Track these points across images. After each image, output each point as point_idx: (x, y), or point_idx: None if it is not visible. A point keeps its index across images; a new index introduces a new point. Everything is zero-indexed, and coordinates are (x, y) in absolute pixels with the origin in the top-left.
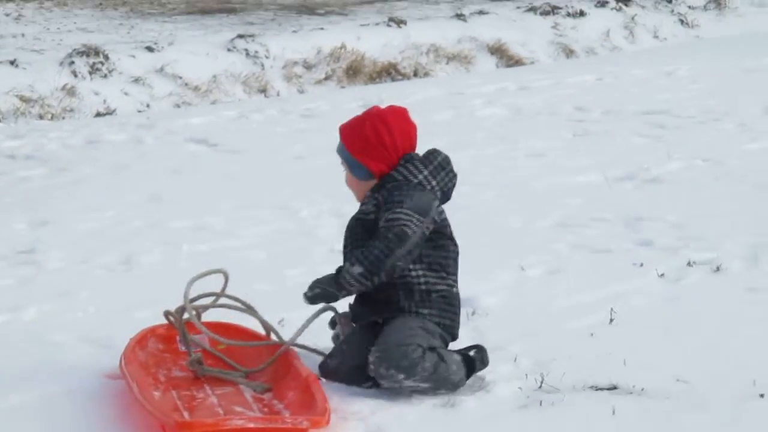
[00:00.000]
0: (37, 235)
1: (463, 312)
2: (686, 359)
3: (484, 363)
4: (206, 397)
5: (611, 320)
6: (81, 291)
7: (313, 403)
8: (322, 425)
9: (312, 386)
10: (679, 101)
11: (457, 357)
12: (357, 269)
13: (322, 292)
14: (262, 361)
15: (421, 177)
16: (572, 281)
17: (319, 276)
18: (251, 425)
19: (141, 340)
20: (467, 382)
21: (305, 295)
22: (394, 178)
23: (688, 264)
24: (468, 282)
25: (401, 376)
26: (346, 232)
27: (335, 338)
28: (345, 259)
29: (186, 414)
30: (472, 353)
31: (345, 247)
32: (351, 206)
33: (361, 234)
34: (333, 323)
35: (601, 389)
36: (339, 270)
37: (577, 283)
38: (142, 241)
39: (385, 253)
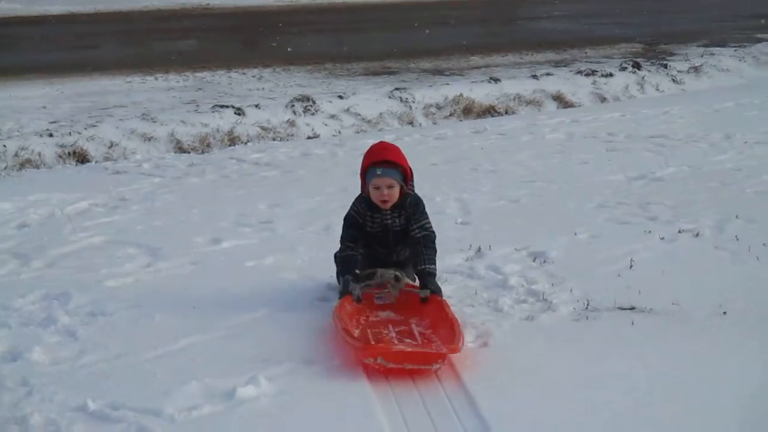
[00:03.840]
0: (273, 212)
1: (538, 261)
2: (678, 290)
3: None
4: (388, 333)
5: (631, 266)
6: (300, 247)
7: (454, 336)
8: (456, 351)
9: (454, 326)
10: (673, 129)
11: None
12: (435, 267)
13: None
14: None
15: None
16: (606, 242)
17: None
18: (408, 349)
19: (348, 297)
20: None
21: (436, 287)
22: (409, 195)
23: (679, 231)
24: (541, 242)
25: None
26: (385, 238)
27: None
28: (389, 253)
29: (373, 342)
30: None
31: (384, 246)
32: (468, 194)
33: (398, 237)
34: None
35: (625, 309)
36: (431, 272)
37: (609, 243)
38: (336, 216)
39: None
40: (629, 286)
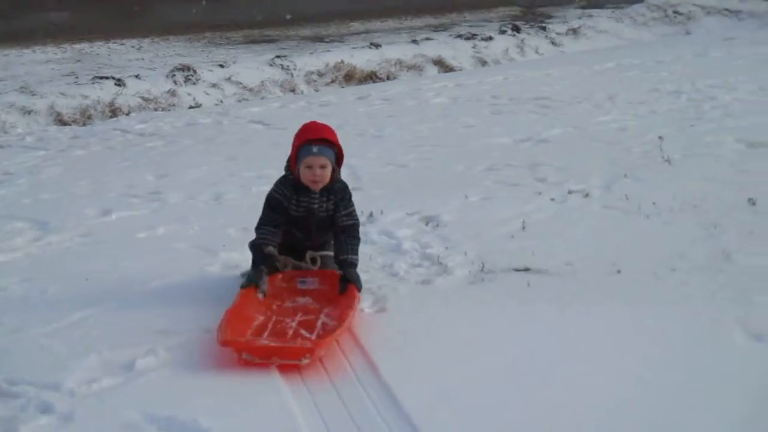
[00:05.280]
0: (161, 183)
1: (430, 225)
2: (570, 250)
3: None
4: (290, 323)
5: (523, 228)
6: (190, 217)
7: (338, 328)
8: (322, 346)
9: (344, 320)
10: (556, 91)
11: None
12: (357, 257)
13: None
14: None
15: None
16: (497, 204)
17: None
18: (272, 344)
19: (271, 278)
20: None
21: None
22: (337, 180)
23: (569, 192)
24: (433, 206)
25: None
26: (307, 223)
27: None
28: (308, 239)
29: (266, 333)
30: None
31: (305, 231)
32: (356, 159)
33: (321, 224)
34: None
35: (520, 270)
36: (353, 262)
37: (500, 206)
38: (226, 185)
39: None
40: (523, 248)
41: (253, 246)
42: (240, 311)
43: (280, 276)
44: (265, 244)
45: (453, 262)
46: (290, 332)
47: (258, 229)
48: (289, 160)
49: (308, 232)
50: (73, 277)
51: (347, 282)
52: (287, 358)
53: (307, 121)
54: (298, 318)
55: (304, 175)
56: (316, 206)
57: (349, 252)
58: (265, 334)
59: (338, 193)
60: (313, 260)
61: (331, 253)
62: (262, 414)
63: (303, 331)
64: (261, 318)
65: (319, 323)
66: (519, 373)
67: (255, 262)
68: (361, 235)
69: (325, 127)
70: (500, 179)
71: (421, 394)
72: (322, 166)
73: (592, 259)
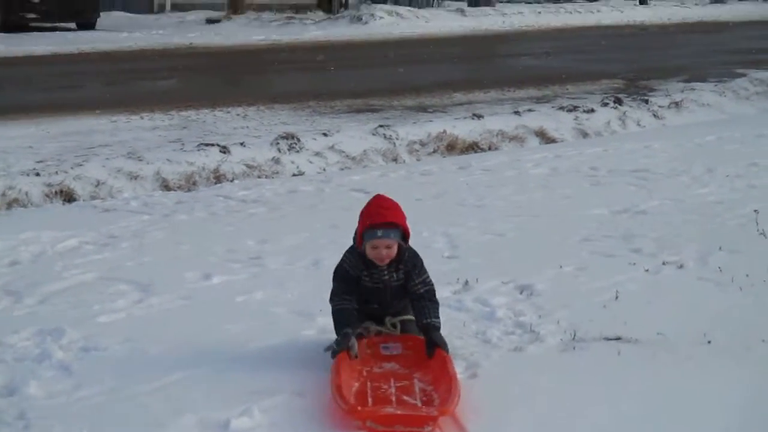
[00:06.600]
0: (262, 248)
1: (525, 293)
2: (663, 321)
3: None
4: (388, 389)
5: (617, 298)
6: (290, 282)
7: (450, 396)
8: (448, 414)
9: (452, 383)
10: (655, 164)
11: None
12: (439, 320)
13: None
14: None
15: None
16: (591, 274)
17: None
18: (398, 412)
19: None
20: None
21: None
22: (406, 252)
23: (663, 263)
24: (528, 274)
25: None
26: (382, 294)
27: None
28: (385, 309)
29: (370, 400)
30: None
31: (381, 302)
32: (455, 228)
33: (396, 293)
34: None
35: (611, 339)
36: (435, 326)
37: (594, 276)
38: (326, 252)
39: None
40: (615, 317)
41: (338, 311)
42: (345, 380)
43: (364, 341)
44: (346, 308)
45: (545, 330)
46: (393, 399)
47: (332, 299)
48: (356, 234)
49: (384, 302)
50: (173, 339)
51: (434, 346)
52: (411, 425)
53: (375, 195)
54: (393, 384)
55: (370, 254)
56: (386, 277)
57: (430, 316)
58: (370, 400)
59: (408, 262)
60: (393, 325)
61: (411, 317)
62: None
63: (406, 398)
64: (356, 384)
65: (416, 389)
66: None
67: (340, 325)
68: (456, 303)
69: (389, 209)
70: (595, 250)
71: None
72: (388, 246)
73: (683, 329)
